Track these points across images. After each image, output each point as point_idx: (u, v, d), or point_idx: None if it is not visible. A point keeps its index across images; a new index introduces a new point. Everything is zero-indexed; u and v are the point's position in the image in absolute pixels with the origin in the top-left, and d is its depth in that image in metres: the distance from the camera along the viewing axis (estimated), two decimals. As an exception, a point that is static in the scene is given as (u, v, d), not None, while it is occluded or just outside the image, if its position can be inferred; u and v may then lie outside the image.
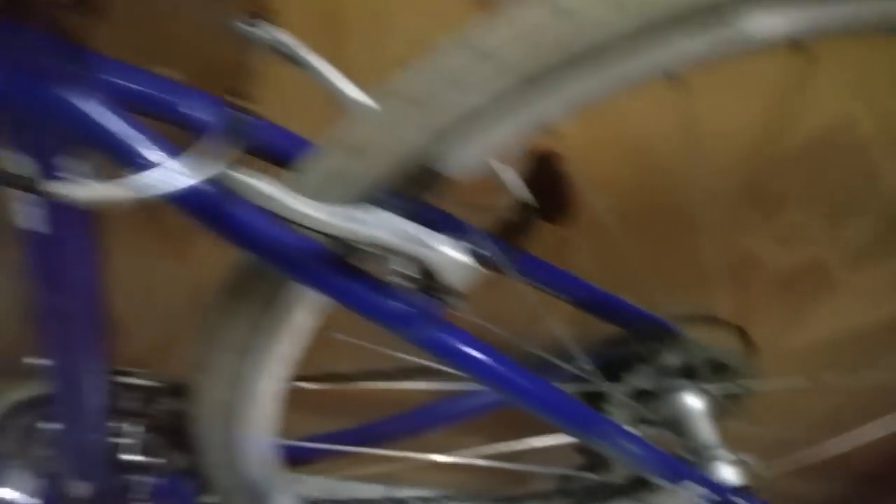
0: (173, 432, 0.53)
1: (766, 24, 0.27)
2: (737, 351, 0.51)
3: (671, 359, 0.49)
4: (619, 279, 0.48)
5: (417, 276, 0.32)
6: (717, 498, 0.43)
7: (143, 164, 0.27)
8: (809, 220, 0.55)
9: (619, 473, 0.50)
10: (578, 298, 0.48)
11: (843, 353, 0.66)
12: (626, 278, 0.48)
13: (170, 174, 0.26)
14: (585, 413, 0.40)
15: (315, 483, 0.75)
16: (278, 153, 0.36)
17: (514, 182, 0.35)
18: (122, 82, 0.30)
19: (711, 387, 0.50)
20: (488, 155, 0.31)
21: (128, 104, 0.28)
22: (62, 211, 0.33)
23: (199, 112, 0.32)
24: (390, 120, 0.30)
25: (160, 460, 0.52)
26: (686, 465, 0.44)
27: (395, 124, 0.30)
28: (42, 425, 0.51)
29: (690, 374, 0.50)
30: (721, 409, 0.51)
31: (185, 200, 0.28)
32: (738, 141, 0.50)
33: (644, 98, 0.46)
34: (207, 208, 0.29)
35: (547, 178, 0.38)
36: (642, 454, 0.40)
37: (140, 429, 0.52)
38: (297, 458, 0.53)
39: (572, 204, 0.40)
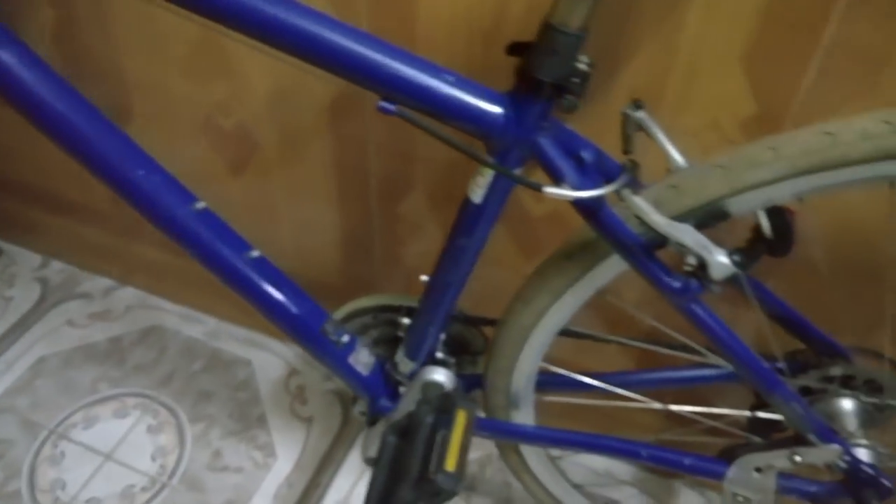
0: (460, 347, 0.79)
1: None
2: (892, 377, 0.68)
3: (836, 371, 0.67)
4: (810, 308, 0.67)
5: (696, 267, 0.54)
6: (850, 462, 0.62)
7: (570, 182, 0.51)
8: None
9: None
10: (776, 314, 0.67)
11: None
12: (815, 308, 0.67)
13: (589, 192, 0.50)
14: (779, 384, 0.60)
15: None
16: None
17: (766, 226, 0.56)
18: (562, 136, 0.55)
19: (865, 398, 0.68)
20: (758, 208, 0.53)
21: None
22: (495, 192, 0.57)
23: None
24: (707, 177, 0.52)
25: (452, 361, 0.77)
26: (836, 434, 0.62)
27: (706, 179, 0.52)
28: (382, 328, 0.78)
29: (849, 386, 0.68)
30: (870, 417, 0.69)
31: (585, 203, 0.52)
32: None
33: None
34: (593, 209, 0.53)
35: (779, 224, 0.58)
36: (805, 416, 0.60)
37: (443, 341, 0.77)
38: (546, 385, 0.76)
39: (792, 246, 0.60)
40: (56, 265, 1.30)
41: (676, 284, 0.55)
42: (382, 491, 0.56)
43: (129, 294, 1.26)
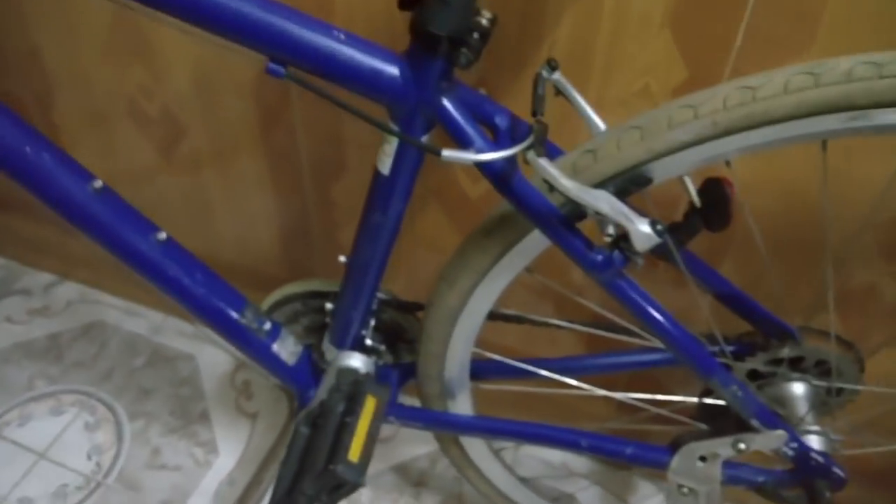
0: (394, 334, 0.74)
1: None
2: (843, 358, 0.64)
3: (785, 352, 0.63)
4: (756, 287, 0.63)
5: (616, 238, 0.49)
6: (798, 448, 0.58)
7: (477, 146, 0.47)
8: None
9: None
10: (721, 293, 0.64)
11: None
12: (761, 288, 0.63)
13: (490, 154, 0.46)
14: (716, 366, 0.56)
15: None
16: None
17: (693, 194, 0.52)
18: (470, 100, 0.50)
19: (814, 380, 0.64)
20: (681, 173, 0.49)
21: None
22: (402, 161, 0.53)
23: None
24: (624, 140, 0.48)
25: (383, 349, 0.73)
26: (780, 419, 0.59)
27: (626, 143, 0.48)
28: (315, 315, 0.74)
29: (799, 368, 0.64)
30: (822, 401, 0.65)
31: (490, 168, 0.48)
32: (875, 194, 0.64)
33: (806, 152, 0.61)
34: (504, 177, 0.48)
35: (716, 196, 0.54)
36: (747, 400, 0.56)
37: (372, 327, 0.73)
38: (482, 373, 0.72)
39: (730, 219, 0.56)
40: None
41: (598, 258, 0.51)
42: (288, 486, 0.52)
43: (70, 289, 1.21)
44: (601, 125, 0.53)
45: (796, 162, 0.63)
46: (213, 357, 1.11)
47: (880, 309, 0.71)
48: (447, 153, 0.45)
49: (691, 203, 0.57)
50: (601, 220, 0.49)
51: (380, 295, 0.72)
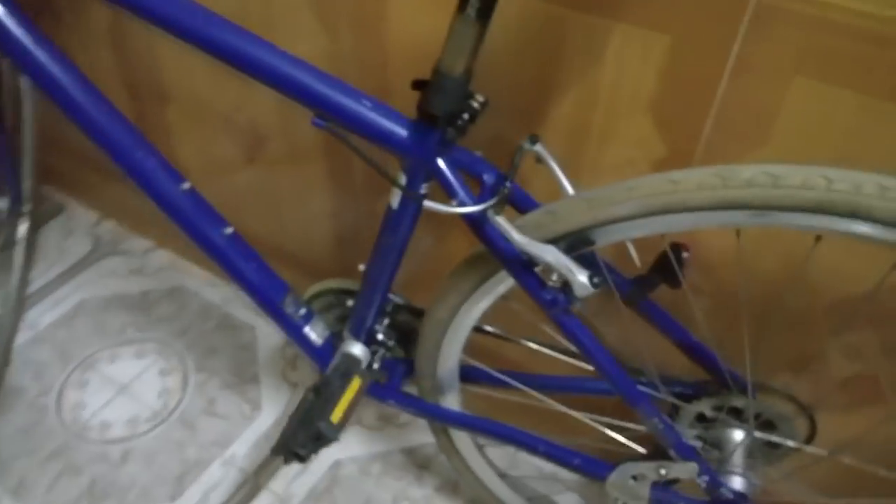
0: (405, 333, 0.89)
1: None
2: (788, 417, 0.73)
3: (729, 402, 0.73)
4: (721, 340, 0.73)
5: (560, 284, 0.62)
6: (710, 482, 0.68)
7: (460, 199, 0.61)
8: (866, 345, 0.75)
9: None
10: (680, 342, 0.74)
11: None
12: (729, 343, 0.73)
13: (477, 206, 0.59)
14: (642, 398, 0.67)
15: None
16: (521, 206, 0.68)
17: (636, 259, 0.63)
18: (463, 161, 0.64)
19: (754, 433, 0.73)
20: (619, 240, 0.61)
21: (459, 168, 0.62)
22: (407, 201, 0.68)
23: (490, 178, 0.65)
24: (577, 207, 0.60)
25: (392, 344, 0.88)
26: (695, 453, 0.69)
27: (577, 210, 0.60)
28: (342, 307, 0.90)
29: (742, 419, 0.74)
30: (761, 452, 0.74)
31: (467, 217, 0.62)
32: (834, 275, 0.72)
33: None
34: (478, 225, 0.62)
35: (675, 256, 0.65)
36: (666, 432, 0.67)
37: (386, 325, 0.88)
38: (470, 377, 0.85)
39: (681, 280, 0.67)
40: (108, 224, 1.49)
41: (548, 297, 0.63)
42: (289, 433, 0.68)
43: (163, 256, 1.43)
44: (570, 190, 0.66)
45: (752, 235, 0.72)
46: (270, 331, 1.30)
47: (833, 377, 0.79)
48: (428, 203, 0.59)
49: (657, 259, 0.68)
50: (548, 268, 0.61)
51: (395, 299, 0.86)
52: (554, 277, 0.62)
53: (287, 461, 0.67)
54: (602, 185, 0.61)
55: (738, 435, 0.76)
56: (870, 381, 0.75)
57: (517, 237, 0.58)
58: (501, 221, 0.58)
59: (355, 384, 0.69)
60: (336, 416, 0.66)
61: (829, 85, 0.60)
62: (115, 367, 1.24)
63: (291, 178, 1.10)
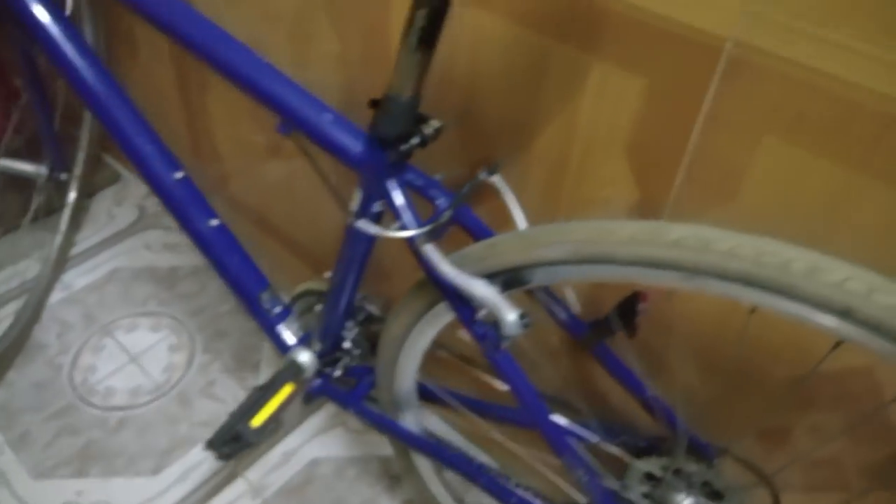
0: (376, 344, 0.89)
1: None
2: (743, 488, 0.69)
3: (676, 464, 0.69)
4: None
5: (491, 321, 0.60)
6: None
7: (402, 224, 0.61)
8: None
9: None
10: (635, 392, 0.71)
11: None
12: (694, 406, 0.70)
13: (407, 231, 0.59)
14: (567, 448, 0.65)
15: (433, 419, 1.08)
16: (473, 232, 0.67)
17: (573, 302, 0.61)
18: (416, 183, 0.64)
19: (699, 499, 0.69)
20: (551, 282, 0.59)
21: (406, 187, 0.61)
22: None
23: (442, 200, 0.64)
24: (513, 244, 0.59)
25: (361, 353, 0.88)
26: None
27: (512, 247, 0.59)
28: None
29: (692, 484, 0.70)
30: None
31: (411, 243, 0.61)
32: (790, 347, 0.67)
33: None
34: (416, 251, 0.61)
35: (630, 307, 0.63)
36: (592, 486, 0.64)
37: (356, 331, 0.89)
38: (428, 396, 0.85)
39: (636, 329, 0.64)
40: (154, 200, 1.57)
41: (479, 331, 0.62)
42: (226, 428, 0.69)
43: (198, 235, 1.50)
44: (522, 224, 0.64)
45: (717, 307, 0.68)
46: (279, 321, 1.33)
47: (797, 453, 0.74)
48: (360, 224, 0.59)
49: (618, 306, 0.66)
50: (477, 302, 0.60)
51: (370, 308, 0.87)
52: (483, 313, 0.60)
53: (218, 457, 0.69)
54: (546, 224, 0.59)
55: (680, 498, 0.72)
56: (834, 465, 0.69)
57: (444, 269, 0.57)
58: (429, 251, 0.57)
59: (285, 392, 0.70)
60: (257, 420, 0.67)
61: (799, 148, 0.55)
62: (131, 336, 1.31)
63: (307, 173, 1.12)
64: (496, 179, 0.64)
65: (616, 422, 0.74)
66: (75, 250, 1.45)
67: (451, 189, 0.67)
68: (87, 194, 1.52)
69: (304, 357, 0.79)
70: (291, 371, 0.74)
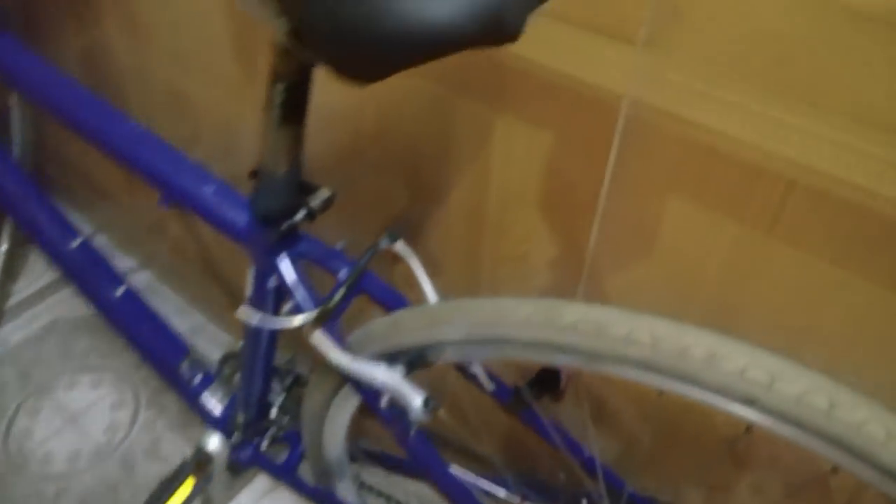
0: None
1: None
2: None
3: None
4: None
5: (395, 405, 0.56)
6: None
7: (295, 304, 0.56)
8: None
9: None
10: (579, 458, 0.67)
11: None
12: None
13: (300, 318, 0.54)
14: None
15: (372, 475, 1.03)
16: (382, 303, 0.62)
17: (483, 379, 0.57)
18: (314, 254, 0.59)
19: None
20: (464, 360, 0.54)
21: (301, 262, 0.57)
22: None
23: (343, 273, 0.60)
24: (414, 322, 0.54)
25: (290, 419, 0.83)
26: None
27: (413, 325, 0.54)
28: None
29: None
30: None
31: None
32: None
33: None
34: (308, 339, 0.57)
35: (551, 374, 0.59)
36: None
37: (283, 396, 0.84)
38: (360, 456, 0.80)
39: (561, 395, 0.60)
40: (101, 238, 1.51)
41: (387, 415, 0.57)
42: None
43: (143, 278, 1.44)
44: (432, 296, 0.60)
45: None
46: (226, 369, 1.28)
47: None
48: (240, 311, 0.54)
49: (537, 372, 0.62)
50: (381, 388, 0.55)
51: (299, 370, 0.82)
52: (385, 399, 0.56)
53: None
54: (448, 299, 0.54)
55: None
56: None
57: (335, 356, 0.53)
58: (318, 338, 0.52)
59: (186, 486, 0.65)
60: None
61: (705, 210, 0.51)
62: (70, 395, 1.25)
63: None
64: (399, 246, 0.59)
65: (552, 483, 0.69)
66: (11, 302, 1.39)
67: (355, 257, 0.62)
68: (22, 242, 1.46)
69: (212, 443, 0.74)
70: (195, 460, 0.69)
